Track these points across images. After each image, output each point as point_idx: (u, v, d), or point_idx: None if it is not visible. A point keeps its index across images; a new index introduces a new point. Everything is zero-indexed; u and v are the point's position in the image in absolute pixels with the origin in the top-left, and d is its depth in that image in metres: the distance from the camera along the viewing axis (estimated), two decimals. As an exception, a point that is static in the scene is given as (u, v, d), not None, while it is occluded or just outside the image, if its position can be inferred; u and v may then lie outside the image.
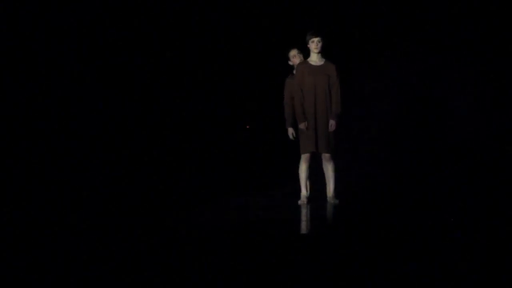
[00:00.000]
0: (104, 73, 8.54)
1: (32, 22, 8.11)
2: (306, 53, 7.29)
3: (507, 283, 4.21)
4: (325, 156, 7.20)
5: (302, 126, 7.15)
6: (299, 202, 7.27)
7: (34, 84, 8.11)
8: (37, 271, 4.64)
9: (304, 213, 6.86)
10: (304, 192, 7.28)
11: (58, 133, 8.18)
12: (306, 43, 7.19)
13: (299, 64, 7.26)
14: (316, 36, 7.13)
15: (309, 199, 7.27)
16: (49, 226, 6.14)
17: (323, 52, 7.20)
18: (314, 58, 7.22)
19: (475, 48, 8.77)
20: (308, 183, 7.37)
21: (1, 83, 7.97)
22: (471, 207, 6.76)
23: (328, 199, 7.27)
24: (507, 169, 8.36)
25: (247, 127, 7.52)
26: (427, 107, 9.08)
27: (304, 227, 6.22)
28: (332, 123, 7.11)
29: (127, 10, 8.64)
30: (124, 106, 8.69)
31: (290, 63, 7.54)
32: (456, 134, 8.89)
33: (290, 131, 7.52)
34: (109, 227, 6.04)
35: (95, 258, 4.91)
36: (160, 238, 5.59)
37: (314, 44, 7.14)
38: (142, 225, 6.18)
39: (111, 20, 8.53)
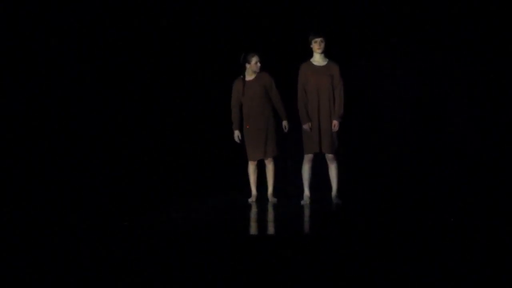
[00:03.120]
0: (105, 73, 8.56)
1: (32, 22, 8.11)
2: (309, 53, 7.28)
3: (507, 283, 4.21)
4: (328, 157, 7.20)
5: (306, 127, 7.15)
6: (302, 202, 7.28)
7: (34, 84, 8.12)
8: (36, 271, 4.64)
9: (307, 213, 6.87)
10: (307, 192, 7.29)
11: (58, 133, 8.20)
12: (309, 43, 7.18)
13: (302, 64, 7.24)
14: (318, 37, 7.13)
15: (313, 199, 7.27)
16: (41, 227, 6.13)
17: (326, 52, 7.19)
18: (317, 59, 7.22)
19: (474, 48, 8.77)
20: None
21: (1, 83, 7.98)
22: (471, 207, 6.75)
23: (332, 199, 7.27)
24: (506, 169, 8.36)
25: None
26: (427, 106, 9.07)
27: (305, 227, 6.23)
28: (335, 123, 7.12)
29: (127, 10, 8.63)
30: (122, 106, 8.70)
31: (247, 65, 7.46)
32: (455, 134, 8.88)
33: (236, 133, 7.54)
34: (96, 228, 6.03)
35: (86, 259, 4.91)
36: (160, 237, 5.59)
37: (317, 45, 7.14)
38: (130, 225, 6.17)
39: (111, 20, 8.54)
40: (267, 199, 7.56)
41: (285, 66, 7.93)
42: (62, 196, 7.68)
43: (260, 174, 7.66)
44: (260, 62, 7.46)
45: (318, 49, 7.15)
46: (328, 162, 7.24)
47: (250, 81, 7.48)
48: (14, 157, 7.87)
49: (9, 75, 8.01)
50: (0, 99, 7.92)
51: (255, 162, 7.58)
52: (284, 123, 7.55)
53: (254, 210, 7.12)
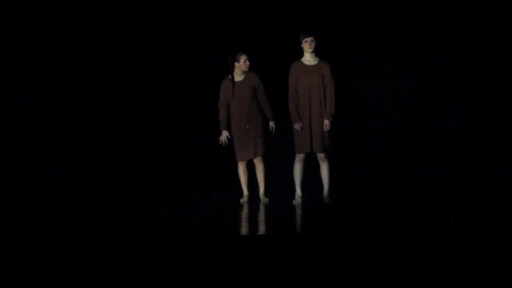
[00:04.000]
0: (104, 73, 8.57)
1: (32, 22, 8.10)
2: (299, 52, 7.23)
3: (507, 283, 4.18)
4: (320, 156, 7.16)
5: (297, 126, 7.12)
6: (294, 202, 7.25)
7: (34, 84, 8.14)
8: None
9: (298, 212, 6.86)
10: (299, 192, 7.26)
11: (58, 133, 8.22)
12: (300, 43, 7.14)
13: (293, 64, 7.20)
14: (309, 36, 7.09)
15: (304, 198, 7.25)
16: (41, 227, 6.08)
17: (317, 52, 7.15)
18: (308, 58, 7.18)
19: (473, 48, 8.78)
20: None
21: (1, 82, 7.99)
22: (471, 207, 6.73)
23: (324, 198, 7.23)
24: (506, 169, 8.36)
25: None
26: (422, 105, 9.07)
27: (297, 226, 6.19)
28: (326, 122, 7.09)
29: (128, 10, 8.65)
30: (121, 106, 8.73)
31: (237, 64, 7.40)
32: (452, 133, 8.88)
33: (225, 133, 7.49)
34: (92, 228, 5.99)
35: (84, 259, 4.87)
36: (151, 237, 5.54)
37: (308, 44, 7.10)
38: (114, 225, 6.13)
39: (111, 20, 8.56)
40: (259, 199, 7.54)
41: (273, 67, 7.94)
42: (62, 196, 7.69)
43: (250, 174, 7.63)
44: (249, 61, 7.42)
45: (309, 48, 7.12)
46: (320, 162, 7.21)
47: (239, 82, 7.46)
48: (14, 157, 7.88)
49: (8, 75, 8.02)
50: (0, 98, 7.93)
51: (245, 163, 7.55)
52: (271, 124, 7.54)
53: (245, 210, 7.09)
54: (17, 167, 7.92)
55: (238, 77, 7.44)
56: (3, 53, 8.02)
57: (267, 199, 7.49)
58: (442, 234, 5.22)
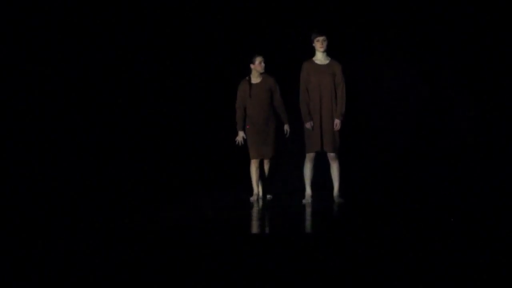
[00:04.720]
0: (105, 73, 8.56)
1: (32, 22, 8.09)
2: (311, 52, 7.25)
3: (507, 283, 4.17)
4: (330, 156, 7.16)
5: (308, 125, 7.13)
6: (304, 201, 7.26)
7: (34, 84, 8.11)
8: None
9: (308, 212, 6.86)
10: (308, 191, 7.29)
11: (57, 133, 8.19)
12: (311, 42, 7.14)
13: (305, 63, 7.21)
14: (321, 35, 7.09)
15: (314, 198, 7.27)
16: (41, 227, 6.08)
17: (328, 51, 7.15)
18: (320, 57, 7.19)
19: (475, 47, 8.76)
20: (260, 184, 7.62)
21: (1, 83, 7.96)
22: (471, 207, 6.73)
23: (334, 198, 7.24)
24: (506, 169, 8.35)
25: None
26: (430, 105, 9.06)
27: (307, 225, 6.19)
28: (337, 122, 7.09)
29: (129, 11, 8.64)
30: (123, 105, 8.70)
31: (253, 66, 7.50)
32: (458, 133, 8.87)
33: (241, 134, 7.55)
34: (96, 227, 5.98)
35: (85, 258, 4.86)
36: (160, 235, 5.54)
37: (319, 43, 7.11)
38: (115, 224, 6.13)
39: (114, 20, 8.55)
40: (264, 196, 7.65)
41: (273, 67, 7.93)
42: (62, 196, 7.68)
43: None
44: (265, 63, 7.50)
45: (321, 47, 7.13)
46: (330, 161, 7.22)
47: (256, 84, 7.55)
48: (14, 157, 7.86)
49: (8, 75, 8.00)
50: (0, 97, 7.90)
51: (258, 161, 7.62)
52: (286, 127, 7.64)
53: (255, 209, 7.12)
54: (17, 167, 7.90)
55: (255, 79, 7.55)
56: (3, 53, 8.00)
57: (269, 196, 7.68)
58: (442, 234, 5.23)
